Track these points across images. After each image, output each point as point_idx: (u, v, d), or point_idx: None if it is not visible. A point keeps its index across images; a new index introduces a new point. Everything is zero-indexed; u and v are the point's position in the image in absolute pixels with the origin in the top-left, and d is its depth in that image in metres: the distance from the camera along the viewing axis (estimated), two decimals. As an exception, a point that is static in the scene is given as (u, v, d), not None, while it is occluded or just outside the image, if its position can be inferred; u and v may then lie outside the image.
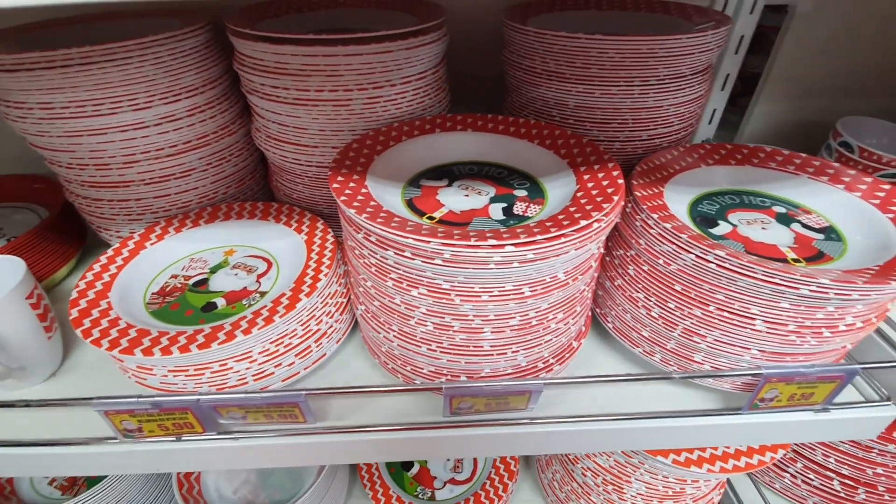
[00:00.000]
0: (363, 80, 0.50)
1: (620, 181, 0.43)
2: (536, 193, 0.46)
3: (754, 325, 0.40)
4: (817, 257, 0.44)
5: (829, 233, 0.47)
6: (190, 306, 0.48)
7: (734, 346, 0.42)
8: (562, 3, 0.66)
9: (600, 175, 0.43)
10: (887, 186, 0.48)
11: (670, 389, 0.50)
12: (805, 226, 0.48)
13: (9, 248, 0.56)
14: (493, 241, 0.35)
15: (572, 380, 0.47)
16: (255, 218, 0.58)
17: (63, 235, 0.63)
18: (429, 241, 0.35)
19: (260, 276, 0.51)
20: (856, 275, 0.38)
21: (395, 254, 0.37)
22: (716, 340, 0.43)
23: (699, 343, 0.44)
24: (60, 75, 0.48)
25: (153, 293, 0.50)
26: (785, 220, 0.49)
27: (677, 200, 0.50)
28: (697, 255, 0.40)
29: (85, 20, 0.63)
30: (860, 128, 0.73)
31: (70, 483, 0.76)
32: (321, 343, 0.48)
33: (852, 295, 0.36)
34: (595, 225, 0.37)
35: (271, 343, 0.44)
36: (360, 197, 0.41)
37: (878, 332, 0.52)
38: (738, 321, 0.41)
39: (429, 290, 0.39)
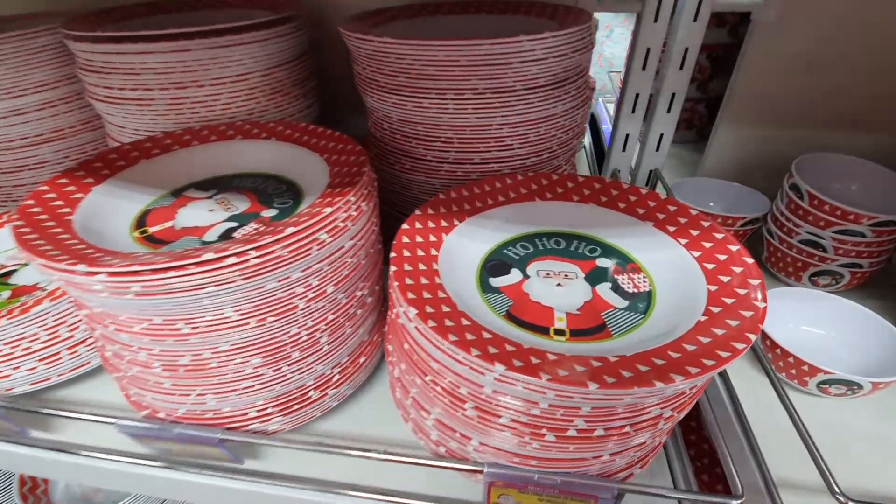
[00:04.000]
0: (163, 79, 0.48)
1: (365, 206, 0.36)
2: (292, 212, 0.40)
3: (465, 409, 0.31)
4: (594, 331, 0.33)
5: (639, 301, 0.36)
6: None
7: (454, 431, 0.33)
8: (417, 8, 0.58)
9: (336, 200, 0.37)
10: (735, 248, 0.36)
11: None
12: (616, 288, 0.37)
13: None
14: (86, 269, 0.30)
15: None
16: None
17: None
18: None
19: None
20: (582, 373, 0.28)
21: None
22: (437, 421, 0.34)
23: (426, 419, 0.35)
24: None
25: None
26: (598, 277, 0.38)
27: (480, 238, 0.42)
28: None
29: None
30: (829, 167, 0.57)
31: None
32: (76, 351, 0.46)
33: (547, 393, 0.27)
34: (275, 251, 0.31)
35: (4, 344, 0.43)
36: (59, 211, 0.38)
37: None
38: (451, 400, 0.32)
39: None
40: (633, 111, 0.66)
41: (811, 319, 0.50)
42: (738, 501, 0.31)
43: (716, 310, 0.31)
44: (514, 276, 0.39)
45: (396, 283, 0.33)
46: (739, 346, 0.27)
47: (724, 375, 0.45)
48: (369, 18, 0.53)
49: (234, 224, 0.39)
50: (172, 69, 0.47)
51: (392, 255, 0.36)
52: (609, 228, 0.42)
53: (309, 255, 0.33)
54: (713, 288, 0.33)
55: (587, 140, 0.97)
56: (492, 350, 0.28)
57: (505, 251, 0.41)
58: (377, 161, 0.53)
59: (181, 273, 0.29)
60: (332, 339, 0.39)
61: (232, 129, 0.49)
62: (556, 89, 0.45)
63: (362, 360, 0.43)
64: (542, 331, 0.33)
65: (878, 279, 0.56)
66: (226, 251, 0.29)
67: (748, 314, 0.30)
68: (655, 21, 0.59)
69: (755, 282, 0.32)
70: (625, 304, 0.36)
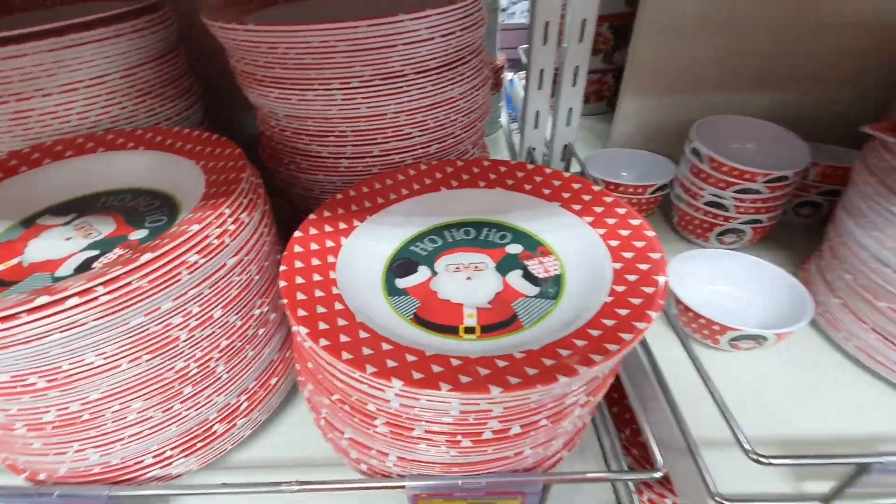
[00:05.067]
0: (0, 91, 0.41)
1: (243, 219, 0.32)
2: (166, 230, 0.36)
3: (375, 426, 0.29)
4: (504, 325, 0.32)
5: (550, 286, 0.35)
6: None
7: (370, 448, 0.31)
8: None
9: (207, 215, 0.32)
10: (636, 222, 0.36)
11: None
12: (527, 275, 0.36)
13: None
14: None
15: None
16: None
17: None
18: None
19: None
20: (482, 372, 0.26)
21: None
22: (351, 440, 0.32)
23: (341, 438, 0.33)
24: None
25: None
26: (509, 265, 0.37)
27: (384, 237, 0.39)
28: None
29: None
30: (726, 129, 0.59)
31: None
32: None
33: (452, 402, 0.25)
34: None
35: None
36: None
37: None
38: (360, 418, 0.29)
39: None
40: (540, 87, 0.65)
41: (720, 278, 0.52)
42: (659, 474, 0.31)
43: (620, 289, 0.31)
44: (422, 274, 0.36)
45: (286, 301, 0.30)
46: (641, 325, 0.27)
47: (644, 343, 0.46)
48: (241, 5, 0.48)
49: (95, 252, 0.34)
50: (9, 79, 0.40)
51: (282, 268, 0.32)
52: (517, 212, 0.41)
53: (179, 281, 0.29)
54: (618, 266, 0.33)
55: (504, 120, 0.96)
56: (390, 364, 0.26)
57: (412, 248, 0.39)
58: (273, 162, 0.49)
59: (14, 323, 0.25)
60: (231, 365, 0.35)
61: (92, 142, 0.43)
62: (449, 71, 0.43)
63: (274, 381, 0.40)
64: (452, 331, 0.32)
65: (777, 232, 0.59)
66: (65, 291, 0.25)
67: (650, 290, 0.30)
68: (549, -6, 0.58)
69: (656, 256, 0.32)
70: (535, 290, 0.34)
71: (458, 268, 0.37)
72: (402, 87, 0.40)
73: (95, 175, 0.41)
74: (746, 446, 0.32)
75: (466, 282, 0.36)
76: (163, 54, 0.49)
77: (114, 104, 0.45)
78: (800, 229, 0.61)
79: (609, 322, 0.28)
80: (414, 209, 0.41)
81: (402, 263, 0.37)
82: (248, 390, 0.38)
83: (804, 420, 0.41)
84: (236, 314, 0.34)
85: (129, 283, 0.27)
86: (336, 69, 0.39)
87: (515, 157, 0.78)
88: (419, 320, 0.32)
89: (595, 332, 0.27)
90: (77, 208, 0.39)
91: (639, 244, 0.34)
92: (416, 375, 0.25)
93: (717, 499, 0.34)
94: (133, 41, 0.45)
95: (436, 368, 0.26)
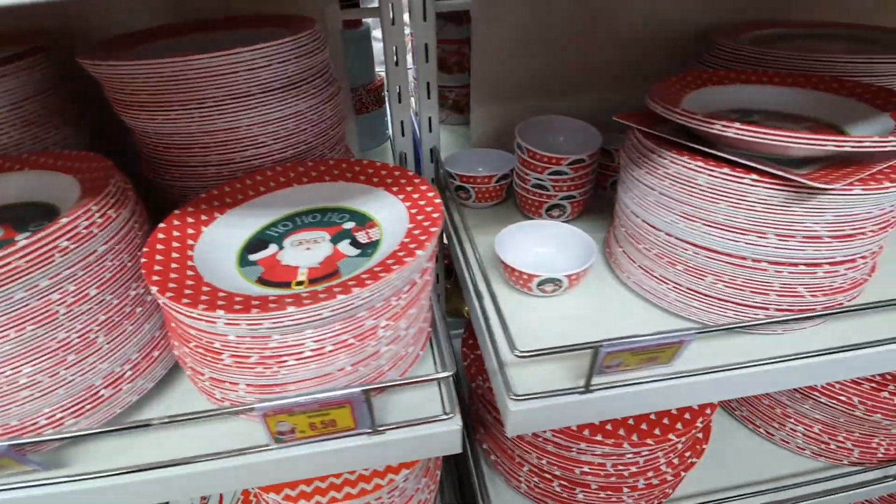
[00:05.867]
0: None
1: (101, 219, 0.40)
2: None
3: (223, 360, 0.38)
4: (328, 277, 0.42)
5: (369, 248, 0.45)
6: None
7: (223, 381, 0.40)
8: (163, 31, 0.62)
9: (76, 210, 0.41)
10: (431, 194, 0.47)
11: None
12: (354, 242, 0.46)
13: None
14: None
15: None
16: None
17: None
18: None
19: None
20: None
21: None
22: (211, 379, 0.40)
23: (204, 381, 0.41)
24: None
25: None
26: (341, 237, 0.47)
27: (243, 225, 0.48)
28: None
29: None
30: (545, 126, 0.73)
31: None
32: None
33: (263, 324, 0.34)
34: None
35: None
36: None
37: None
38: (212, 357, 0.38)
39: None
40: (400, 101, 0.77)
41: (541, 242, 0.65)
42: (447, 373, 0.42)
43: (407, 240, 0.42)
44: (271, 249, 0.46)
45: (144, 272, 0.38)
46: (408, 260, 0.38)
47: (479, 295, 0.57)
48: (115, 44, 0.56)
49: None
50: None
51: (144, 250, 0.41)
52: (354, 198, 0.51)
53: (52, 262, 0.36)
54: (411, 226, 0.44)
55: (390, 131, 1.07)
56: (219, 303, 0.35)
57: (267, 231, 0.48)
58: (151, 174, 0.57)
59: None
60: (111, 337, 0.43)
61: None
62: (294, 89, 0.53)
63: (156, 353, 0.48)
64: (286, 286, 0.41)
65: (596, 204, 0.73)
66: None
67: (423, 237, 0.41)
68: (393, 24, 0.70)
69: (436, 214, 0.44)
70: (357, 252, 0.45)
71: (300, 242, 0.47)
72: (251, 104, 0.50)
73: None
74: (514, 347, 0.43)
75: (306, 252, 0.45)
76: (46, 89, 0.56)
77: (2, 134, 0.52)
78: (612, 202, 0.76)
79: (390, 262, 0.39)
80: (271, 202, 0.51)
81: (257, 242, 0.47)
82: (132, 360, 0.45)
83: (589, 335, 0.54)
84: (112, 294, 0.42)
85: (10, 263, 0.34)
86: (191, 93, 0.48)
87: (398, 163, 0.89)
88: (262, 281, 0.42)
89: (378, 269, 0.38)
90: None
91: (429, 209, 0.45)
92: (237, 307, 0.34)
93: (511, 396, 0.45)
94: (19, 78, 0.52)
95: (254, 302, 0.35)
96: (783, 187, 0.42)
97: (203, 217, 0.46)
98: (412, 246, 0.40)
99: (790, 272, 0.47)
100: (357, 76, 0.94)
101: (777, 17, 0.79)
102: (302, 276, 0.42)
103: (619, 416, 0.59)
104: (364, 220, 0.49)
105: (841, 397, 0.73)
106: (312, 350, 0.37)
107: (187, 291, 0.36)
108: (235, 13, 0.65)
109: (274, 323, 0.34)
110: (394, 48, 0.72)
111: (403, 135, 0.81)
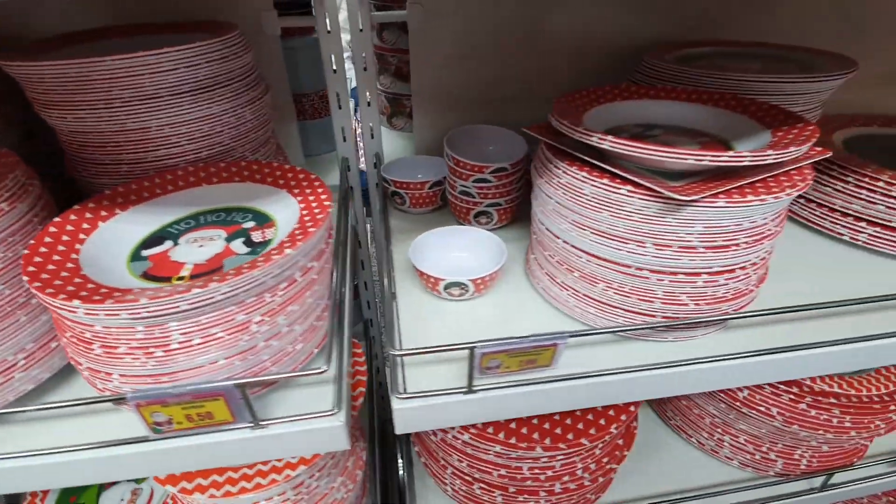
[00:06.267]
0: None
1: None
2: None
3: (94, 349, 0.39)
4: (211, 273, 0.43)
5: (261, 246, 0.47)
6: None
7: (100, 371, 0.41)
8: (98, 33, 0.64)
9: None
10: (324, 197, 0.49)
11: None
12: (248, 241, 0.48)
13: None
14: None
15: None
16: None
17: None
18: None
19: None
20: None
21: None
22: (89, 369, 0.42)
23: (83, 370, 0.42)
24: None
25: None
26: (238, 236, 0.49)
27: (146, 222, 0.50)
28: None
29: None
30: (474, 135, 0.75)
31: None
32: None
33: (120, 315, 0.36)
34: None
35: None
36: None
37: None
38: (84, 347, 0.40)
39: None
40: (340, 108, 0.79)
41: (460, 248, 0.66)
42: (321, 370, 0.43)
43: (287, 240, 0.43)
44: (165, 245, 0.47)
45: (22, 262, 0.40)
46: (289, 251, 0.39)
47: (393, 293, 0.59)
48: (38, 47, 0.58)
49: None
50: None
51: (31, 242, 0.42)
52: (260, 199, 0.53)
53: (-67, 251, 0.38)
54: (296, 227, 0.45)
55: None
56: (82, 294, 0.36)
57: (168, 229, 0.50)
58: (72, 171, 0.58)
59: None
60: (4, 325, 0.44)
61: None
62: (207, 92, 0.55)
63: (54, 345, 0.49)
64: (166, 280, 0.43)
65: (525, 213, 0.75)
66: None
67: (300, 237, 0.42)
68: (329, 32, 0.72)
69: (320, 216, 0.45)
70: (247, 250, 0.46)
71: (196, 240, 0.48)
72: (160, 106, 0.52)
73: None
74: (394, 347, 0.45)
75: (199, 249, 0.47)
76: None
77: None
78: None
79: (261, 260, 0.40)
80: (177, 200, 0.53)
81: (155, 239, 0.48)
82: (26, 350, 0.47)
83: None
84: (3, 284, 0.44)
85: None
86: (98, 93, 0.50)
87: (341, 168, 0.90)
88: (146, 275, 0.43)
89: (246, 267, 0.39)
90: None
91: (317, 210, 0.46)
92: (96, 298, 0.36)
93: (396, 394, 0.47)
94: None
95: (116, 294, 0.37)
96: (655, 198, 0.44)
97: (103, 213, 0.48)
98: (286, 246, 0.41)
99: (671, 281, 0.48)
100: (307, 83, 0.96)
101: (718, 35, 0.81)
102: (185, 272, 0.44)
103: (504, 418, 0.60)
104: (265, 220, 0.50)
105: (760, 408, 0.74)
106: (180, 343, 0.39)
107: (56, 282, 0.38)
108: (174, 19, 0.67)
109: (131, 314, 0.36)
110: (331, 56, 0.74)
111: (345, 140, 0.82)
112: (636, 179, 0.44)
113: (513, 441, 0.65)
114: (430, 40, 0.77)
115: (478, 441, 0.66)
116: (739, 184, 0.44)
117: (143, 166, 0.55)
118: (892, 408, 0.71)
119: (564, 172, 0.50)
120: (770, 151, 0.41)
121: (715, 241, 0.46)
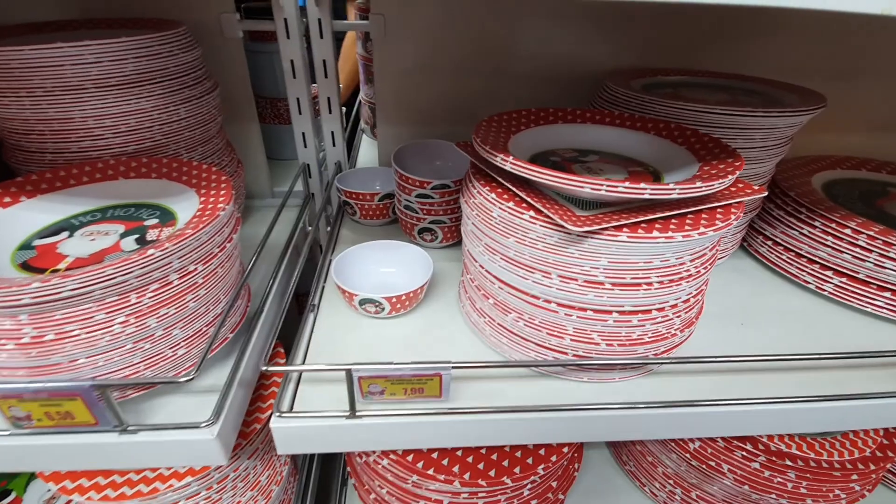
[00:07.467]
0: None
1: None
2: None
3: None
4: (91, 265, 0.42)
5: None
6: None
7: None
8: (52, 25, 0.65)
9: None
10: (223, 199, 0.47)
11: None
12: (141, 238, 0.47)
13: None
14: None
15: None
16: None
17: None
18: None
19: None
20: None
21: None
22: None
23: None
24: None
25: None
26: (134, 232, 0.47)
27: (52, 211, 0.50)
28: None
29: None
30: (426, 150, 0.73)
31: None
32: None
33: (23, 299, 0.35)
34: None
35: None
36: None
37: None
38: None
39: None
40: (300, 113, 0.79)
41: (389, 263, 0.64)
42: (186, 378, 0.41)
43: (178, 234, 0.42)
44: (60, 237, 0.47)
45: None
46: (156, 251, 0.38)
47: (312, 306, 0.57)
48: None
49: None
50: None
51: (-87, 222, 0.42)
52: (170, 196, 0.52)
53: None
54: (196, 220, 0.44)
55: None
56: (-70, 278, 0.36)
57: (72, 220, 0.49)
58: (8, 158, 0.59)
59: None
60: None
61: None
62: (136, 87, 0.54)
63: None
64: (41, 271, 0.42)
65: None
66: None
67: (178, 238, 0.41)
68: (288, 38, 0.72)
69: (205, 219, 0.44)
70: (136, 247, 0.45)
71: (91, 233, 0.47)
72: (83, 97, 0.52)
73: None
74: (265, 362, 0.42)
75: (89, 242, 0.46)
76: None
77: None
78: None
79: (170, 244, 0.39)
80: (90, 192, 0.52)
81: (56, 229, 0.48)
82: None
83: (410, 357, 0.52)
84: None
85: None
86: (21, 81, 0.50)
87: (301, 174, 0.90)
88: (24, 266, 0.42)
89: (120, 259, 0.38)
90: None
91: (207, 213, 0.45)
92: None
93: (276, 413, 0.44)
94: None
95: (-34, 282, 0.36)
96: (555, 227, 0.41)
97: (6, 199, 0.48)
98: (153, 247, 0.40)
99: (579, 317, 0.45)
100: (279, 87, 0.96)
101: (685, 65, 0.78)
102: (63, 265, 0.43)
103: (390, 448, 0.57)
104: (168, 218, 0.49)
105: (710, 462, 0.68)
106: (32, 337, 0.37)
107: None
108: (142, 17, 0.68)
109: None
110: (290, 61, 0.73)
111: (306, 146, 0.82)
112: (537, 205, 0.41)
113: (430, 472, 0.61)
114: (393, 52, 0.76)
115: (396, 468, 0.63)
116: (654, 217, 0.41)
117: (66, 156, 0.55)
118: (854, 477, 0.65)
119: (478, 192, 0.47)
120: (674, 185, 0.38)
121: (623, 277, 0.42)
